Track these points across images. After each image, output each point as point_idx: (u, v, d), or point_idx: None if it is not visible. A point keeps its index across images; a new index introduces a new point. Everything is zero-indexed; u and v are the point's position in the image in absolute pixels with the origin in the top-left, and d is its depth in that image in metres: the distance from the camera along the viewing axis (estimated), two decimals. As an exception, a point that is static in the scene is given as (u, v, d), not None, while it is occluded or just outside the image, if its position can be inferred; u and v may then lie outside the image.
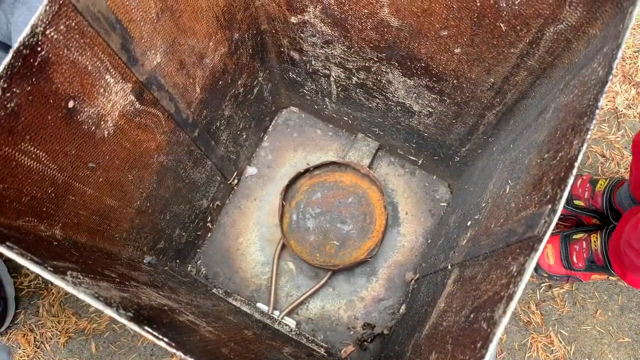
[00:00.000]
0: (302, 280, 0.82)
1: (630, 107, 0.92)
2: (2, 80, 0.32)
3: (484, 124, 0.60)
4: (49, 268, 0.30)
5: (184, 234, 0.73)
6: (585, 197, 0.79)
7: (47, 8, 0.33)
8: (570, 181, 0.29)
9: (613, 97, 0.93)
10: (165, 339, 0.30)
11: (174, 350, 0.30)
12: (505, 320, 0.27)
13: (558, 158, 0.33)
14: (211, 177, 0.74)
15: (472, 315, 0.35)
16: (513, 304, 0.27)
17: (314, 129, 0.88)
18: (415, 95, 0.62)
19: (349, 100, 0.73)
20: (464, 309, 0.38)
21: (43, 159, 0.39)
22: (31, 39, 0.33)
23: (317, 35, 0.60)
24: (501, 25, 0.43)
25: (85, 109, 0.41)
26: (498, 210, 0.43)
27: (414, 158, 0.82)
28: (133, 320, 0.31)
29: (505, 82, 0.50)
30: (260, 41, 0.65)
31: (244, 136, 0.79)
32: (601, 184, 0.79)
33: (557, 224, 0.79)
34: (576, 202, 0.80)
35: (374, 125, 0.77)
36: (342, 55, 0.62)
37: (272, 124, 0.88)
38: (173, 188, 0.63)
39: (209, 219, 0.81)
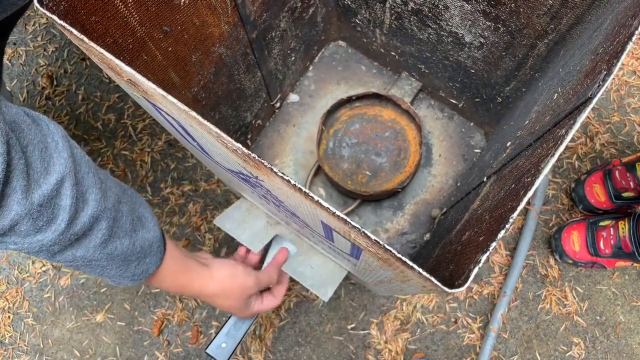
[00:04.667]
0: (331, 206, 0.85)
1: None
2: None
3: (533, 56, 0.62)
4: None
5: (226, 141, 0.76)
6: (632, 186, 0.80)
7: None
8: (629, 46, 0.31)
9: (658, 70, 0.93)
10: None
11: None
12: (553, 160, 0.30)
13: (615, 43, 0.35)
14: (258, 91, 0.77)
15: (512, 185, 0.37)
16: (562, 147, 0.30)
17: (359, 65, 0.91)
18: (470, 22, 0.63)
19: (400, 30, 0.75)
20: (503, 189, 0.41)
21: (129, 4, 0.42)
22: None
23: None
24: None
25: (170, -33, 0.44)
26: (544, 113, 0.45)
27: (454, 101, 0.84)
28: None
29: (563, 4, 0.52)
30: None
31: (292, 58, 0.81)
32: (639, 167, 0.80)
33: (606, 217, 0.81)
34: (625, 194, 0.81)
35: (421, 61, 0.79)
36: (403, -24, 0.63)
37: (319, 54, 0.90)
38: (226, 88, 0.66)
39: (249, 136, 0.84)
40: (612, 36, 0.38)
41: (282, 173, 0.31)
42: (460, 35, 0.67)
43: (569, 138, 0.30)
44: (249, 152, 0.31)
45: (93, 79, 0.97)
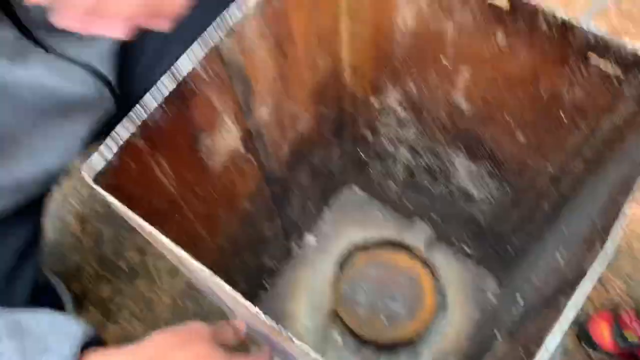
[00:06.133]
0: (345, 353, 0.84)
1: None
2: (163, 101, 0.41)
3: (539, 213, 0.65)
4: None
5: (245, 285, 0.78)
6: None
7: (204, 51, 0.42)
8: (618, 226, 0.34)
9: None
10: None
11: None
12: (556, 338, 0.31)
13: (607, 218, 0.38)
14: (277, 236, 0.81)
15: (522, 351, 0.39)
16: (565, 326, 0.32)
17: (374, 210, 0.95)
18: (477, 181, 0.68)
19: (413, 184, 0.80)
20: (513, 353, 0.42)
21: (167, 173, 0.47)
22: (189, 73, 0.42)
23: (393, 117, 0.68)
24: (562, 115, 0.50)
25: (206, 141, 0.49)
26: (549, 274, 0.48)
27: (467, 249, 0.87)
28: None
29: (562, 170, 0.56)
30: (340, 118, 0.74)
31: (310, 205, 0.86)
32: None
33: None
34: (631, 339, 0.81)
35: (434, 211, 0.83)
36: (413, 138, 0.70)
37: (335, 199, 0.96)
38: (248, 236, 0.70)
39: (266, 278, 0.86)
40: (605, 209, 0.42)
41: (294, 338, 0.32)
42: (469, 190, 0.71)
43: (571, 317, 0.32)
44: (266, 319, 0.33)
45: (120, 220, 1.02)
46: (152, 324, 0.93)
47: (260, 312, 0.33)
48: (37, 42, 0.52)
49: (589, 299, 0.90)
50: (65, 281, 0.97)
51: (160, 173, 0.46)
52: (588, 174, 0.54)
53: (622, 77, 0.43)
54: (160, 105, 0.41)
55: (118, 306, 0.95)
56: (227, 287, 0.34)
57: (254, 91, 0.51)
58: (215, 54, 0.44)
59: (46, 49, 0.53)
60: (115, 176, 0.40)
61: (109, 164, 0.39)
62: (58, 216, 1.04)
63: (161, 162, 0.45)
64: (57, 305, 0.91)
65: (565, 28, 0.42)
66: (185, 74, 0.42)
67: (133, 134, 0.40)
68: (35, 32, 0.51)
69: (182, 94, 0.43)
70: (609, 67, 0.43)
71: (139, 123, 0.40)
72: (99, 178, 0.39)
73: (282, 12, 0.49)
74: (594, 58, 0.43)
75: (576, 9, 1.16)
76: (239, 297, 0.33)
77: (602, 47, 0.41)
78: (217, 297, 0.48)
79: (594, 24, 0.41)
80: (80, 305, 0.96)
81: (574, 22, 0.41)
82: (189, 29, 0.65)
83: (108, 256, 0.99)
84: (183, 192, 0.50)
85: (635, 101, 0.44)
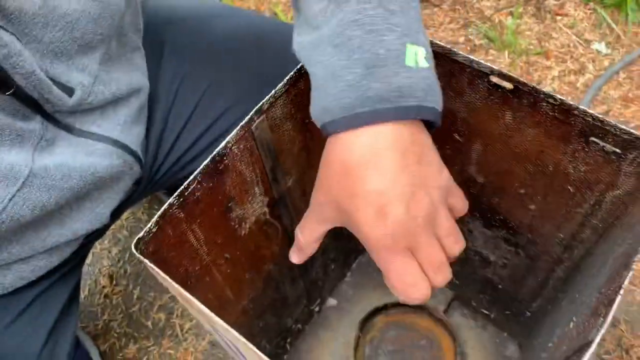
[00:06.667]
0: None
1: None
2: (199, 175, 0.45)
3: (553, 278, 0.67)
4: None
5: (267, 346, 0.81)
6: None
7: (238, 132, 0.47)
8: (618, 299, 0.36)
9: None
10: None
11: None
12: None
13: (612, 289, 0.41)
14: (299, 298, 0.83)
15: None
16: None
17: (394, 273, 0.97)
18: (492, 245, 0.71)
19: (431, 247, 0.83)
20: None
21: (201, 240, 0.51)
22: (222, 151, 0.47)
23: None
24: (569, 187, 0.53)
25: (236, 210, 0.54)
26: (562, 340, 0.49)
27: (486, 312, 0.88)
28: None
29: (573, 238, 0.59)
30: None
31: (332, 267, 0.89)
32: None
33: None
34: None
35: (452, 273, 0.85)
36: (430, 205, 0.73)
37: (356, 262, 0.98)
38: (271, 298, 0.73)
39: (288, 340, 0.88)
40: (611, 279, 0.44)
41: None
42: (485, 254, 0.74)
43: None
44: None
45: (149, 279, 1.06)
46: (176, 383, 0.94)
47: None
48: (62, 126, 0.55)
49: (612, 365, 0.89)
50: (94, 338, 1.00)
51: (194, 239, 0.50)
52: (597, 243, 0.56)
53: (621, 154, 0.46)
54: (196, 179, 0.46)
55: (144, 364, 0.98)
56: (252, 347, 0.37)
57: (280, 163, 0.56)
58: (248, 133, 0.48)
59: (71, 130, 0.56)
60: (154, 242, 0.44)
61: (149, 231, 0.43)
62: (90, 277, 1.08)
63: (195, 229, 0.49)
64: (85, 362, 0.94)
65: (564, 109, 0.46)
66: (220, 150, 0.46)
67: (171, 205, 0.45)
68: (59, 118, 0.54)
69: (217, 169, 0.47)
70: (608, 146, 0.46)
71: (178, 195, 0.45)
72: (140, 244, 0.43)
73: (306, 93, 0.54)
74: (593, 137, 0.46)
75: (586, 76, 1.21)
76: (264, 357, 0.36)
77: (599, 128, 0.45)
78: (242, 357, 0.50)
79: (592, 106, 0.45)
80: (107, 362, 0.98)
81: (572, 104, 0.45)
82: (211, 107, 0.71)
83: (136, 315, 1.02)
84: (214, 257, 0.54)
85: (635, 176, 0.47)
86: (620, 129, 0.44)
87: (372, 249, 0.40)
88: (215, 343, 0.98)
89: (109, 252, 1.11)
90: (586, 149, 0.48)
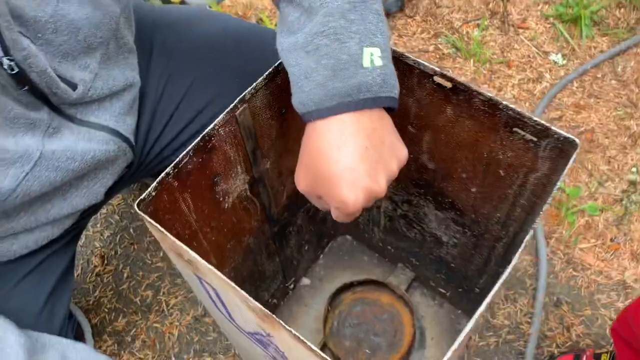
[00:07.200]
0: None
1: (637, 282, 1.06)
2: (191, 151, 0.55)
3: (495, 255, 0.78)
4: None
5: (246, 316, 0.90)
6: None
7: (224, 116, 0.57)
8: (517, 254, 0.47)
9: (622, 271, 1.07)
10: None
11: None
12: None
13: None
14: (276, 274, 0.93)
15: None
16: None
17: (362, 255, 1.08)
18: (444, 226, 0.81)
19: (393, 229, 0.93)
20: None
21: (191, 208, 0.60)
22: (211, 131, 0.56)
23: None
24: (500, 171, 0.63)
25: (221, 185, 0.63)
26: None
27: (442, 290, 0.98)
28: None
29: (507, 217, 0.69)
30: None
31: (306, 248, 0.99)
32: (604, 358, 0.91)
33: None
34: None
35: (412, 255, 0.96)
36: (391, 190, 0.83)
37: (329, 245, 1.08)
38: (250, 270, 0.83)
39: (265, 314, 0.98)
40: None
41: (290, 329, 0.45)
42: (439, 235, 0.84)
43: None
44: (266, 310, 0.45)
45: (138, 261, 1.15)
46: (163, 353, 1.03)
47: (259, 305, 0.46)
48: (65, 116, 0.64)
49: (553, 340, 1.00)
50: (86, 313, 1.08)
51: (185, 207, 0.59)
52: (526, 220, 0.67)
53: (537, 141, 0.57)
54: (189, 154, 0.55)
55: (132, 337, 1.06)
56: (241, 291, 0.46)
57: (260, 146, 0.66)
58: (232, 118, 0.58)
59: (73, 119, 0.65)
60: (153, 205, 0.54)
61: (149, 194, 0.53)
62: (83, 257, 1.17)
63: (186, 197, 0.59)
64: (77, 333, 1.02)
65: (492, 104, 0.57)
66: (209, 131, 0.56)
67: (167, 174, 0.54)
68: (63, 109, 0.63)
69: (206, 147, 0.57)
70: (527, 135, 0.57)
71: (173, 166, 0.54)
72: (141, 204, 0.52)
73: (283, 87, 0.64)
74: (515, 128, 0.57)
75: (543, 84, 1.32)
76: (251, 299, 0.46)
77: (520, 120, 0.56)
78: (225, 309, 0.60)
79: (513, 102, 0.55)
80: (98, 334, 1.07)
81: (499, 100, 0.56)
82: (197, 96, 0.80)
83: (125, 292, 1.11)
84: (201, 224, 0.64)
85: (549, 160, 0.57)
86: (535, 121, 0.55)
87: (339, 207, 0.50)
88: (198, 318, 1.07)
89: (101, 234, 1.19)
90: (511, 138, 0.59)
